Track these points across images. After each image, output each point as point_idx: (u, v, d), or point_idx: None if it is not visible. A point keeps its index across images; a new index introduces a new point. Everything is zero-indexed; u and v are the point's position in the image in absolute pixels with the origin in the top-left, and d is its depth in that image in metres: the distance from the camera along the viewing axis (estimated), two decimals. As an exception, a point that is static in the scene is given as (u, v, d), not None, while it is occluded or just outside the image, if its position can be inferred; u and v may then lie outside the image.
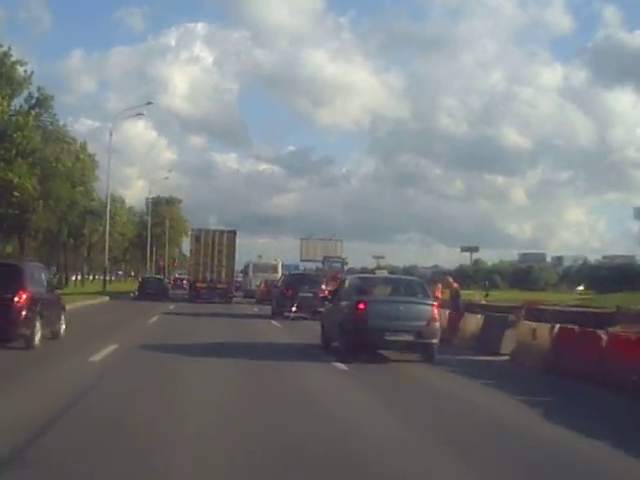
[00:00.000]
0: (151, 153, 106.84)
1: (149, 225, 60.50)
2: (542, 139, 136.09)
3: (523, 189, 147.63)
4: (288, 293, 20.14)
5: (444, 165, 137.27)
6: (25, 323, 9.79)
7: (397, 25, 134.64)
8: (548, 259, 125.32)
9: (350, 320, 10.91)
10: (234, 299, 31.52)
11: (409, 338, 10.77)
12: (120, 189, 71.30)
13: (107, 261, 38.71)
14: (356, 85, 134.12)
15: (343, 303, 11.72)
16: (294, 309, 19.34)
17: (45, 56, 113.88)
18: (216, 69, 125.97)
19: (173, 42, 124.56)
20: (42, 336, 10.35)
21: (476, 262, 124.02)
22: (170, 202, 77.37)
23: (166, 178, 59.16)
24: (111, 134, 35.62)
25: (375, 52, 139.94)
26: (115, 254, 63.77)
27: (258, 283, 34.42)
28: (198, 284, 30.29)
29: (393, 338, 10.72)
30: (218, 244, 30.51)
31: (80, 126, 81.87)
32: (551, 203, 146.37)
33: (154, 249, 69.64)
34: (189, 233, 35.93)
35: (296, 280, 21.30)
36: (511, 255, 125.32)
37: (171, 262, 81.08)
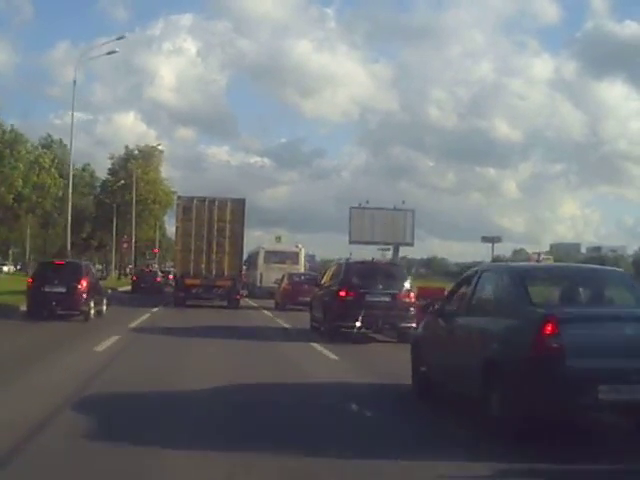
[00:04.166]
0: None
1: (71, 171, 33.83)
2: (533, 131, 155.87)
3: (515, 182, 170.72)
4: (347, 296, 14.84)
5: (435, 157, 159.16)
6: (85, 302, 17.69)
7: (383, 16, 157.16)
8: (583, 250, 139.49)
9: (523, 356, 6.47)
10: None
11: (647, 398, 6.31)
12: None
13: None
14: (343, 76, 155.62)
15: (492, 320, 7.34)
16: (358, 324, 14.50)
17: (30, 47, 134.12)
18: (202, 61, 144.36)
19: (158, 33, 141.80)
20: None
21: (517, 254, 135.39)
22: (145, 155, 61.84)
23: (111, 52, 32.42)
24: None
25: (361, 43, 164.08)
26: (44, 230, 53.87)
27: (273, 279, 31.58)
28: (188, 280, 25.84)
29: (615, 397, 6.28)
30: (218, 220, 25.89)
31: (69, 119, 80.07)
32: (544, 196, 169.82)
33: (116, 224, 57.36)
34: (175, 203, 31.24)
35: (361, 273, 15.67)
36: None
37: (146, 246, 72.29)
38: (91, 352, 11.68)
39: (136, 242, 60.68)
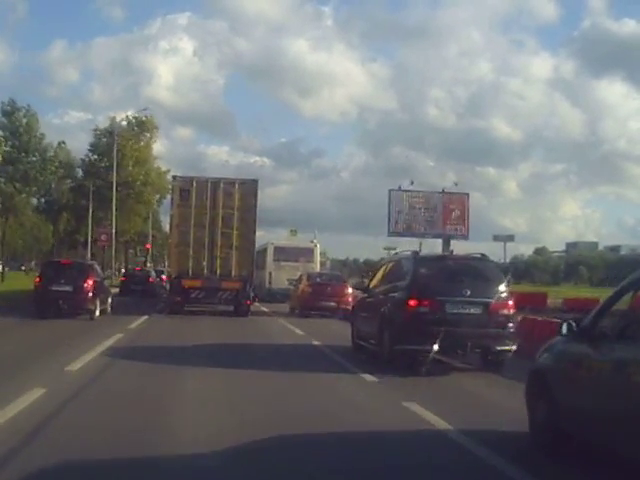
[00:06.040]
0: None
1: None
2: (533, 131, 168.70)
3: (515, 182, 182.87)
4: (419, 306, 11.18)
5: (435, 157, 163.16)
6: (90, 301, 19.85)
7: (380, 14, 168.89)
8: (600, 248, 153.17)
9: None
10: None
11: None
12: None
13: None
14: (341, 75, 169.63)
15: None
16: (436, 347, 10.81)
17: (26, 47, 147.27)
18: (200, 61, 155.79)
19: (155, 33, 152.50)
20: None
21: (539, 252, 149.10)
22: (137, 127, 56.44)
23: None
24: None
25: (359, 42, 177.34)
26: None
27: (285, 279, 30.81)
28: (186, 281, 22.72)
29: None
30: (224, 206, 22.59)
31: (70, 119, 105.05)
32: (545, 196, 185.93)
33: (92, 212, 51.89)
34: (170, 186, 27.82)
35: (438, 273, 11.86)
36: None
37: (136, 241, 69.47)
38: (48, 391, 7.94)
39: (121, 234, 55.14)
